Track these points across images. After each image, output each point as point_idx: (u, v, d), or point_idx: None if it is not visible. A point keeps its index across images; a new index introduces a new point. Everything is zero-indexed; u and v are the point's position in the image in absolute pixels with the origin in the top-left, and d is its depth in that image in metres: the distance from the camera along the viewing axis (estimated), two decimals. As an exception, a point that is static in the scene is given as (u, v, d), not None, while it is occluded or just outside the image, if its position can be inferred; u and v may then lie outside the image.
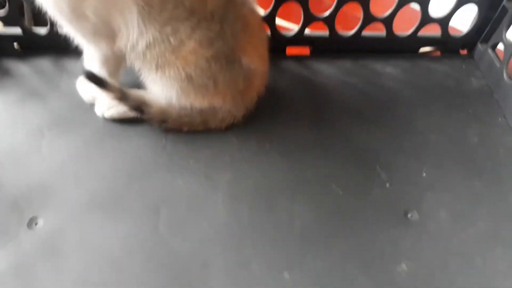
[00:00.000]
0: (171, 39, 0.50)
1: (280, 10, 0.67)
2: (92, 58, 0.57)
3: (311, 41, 0.72)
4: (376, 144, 0.61)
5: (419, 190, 0.56)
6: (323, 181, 0.56)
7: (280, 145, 0.59)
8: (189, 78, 0.53)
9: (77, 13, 0.48)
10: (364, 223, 0.52)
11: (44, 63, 0.66)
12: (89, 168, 0.55)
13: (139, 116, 0.57)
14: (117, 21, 0.49)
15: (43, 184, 0.53)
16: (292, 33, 0.70)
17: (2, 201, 0.51)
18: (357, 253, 0.50)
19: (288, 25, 0.76)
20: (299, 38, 0.71)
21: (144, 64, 0.53)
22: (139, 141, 0.58)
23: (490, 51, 0.71)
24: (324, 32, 0.71)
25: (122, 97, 0.56)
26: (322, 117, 0.63)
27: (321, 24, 0.69)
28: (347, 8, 0.67)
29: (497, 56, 0.70)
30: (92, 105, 0.60)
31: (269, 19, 0.68)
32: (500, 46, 0.70)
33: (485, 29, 0.72)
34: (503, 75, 0.67)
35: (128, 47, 0.51)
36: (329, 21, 0.69)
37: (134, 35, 0.50)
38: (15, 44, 0.67)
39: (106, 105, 0.59)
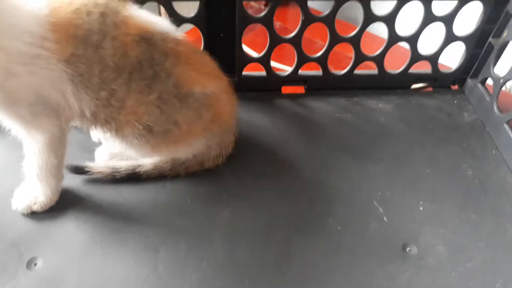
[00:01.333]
0: (112, 102, 0.49)
1: (274, 52, 0.70)
2: (35, 148, 0.51)
3: (305, 80, 0.74)
4: (372, 179, 0.62)
5: (417, 224, 0.56)
6: (320, 217, 0.57)
7: (276, 182, 0.60)
8: (149, 130, 0.52)
9: (10, 99, 0.46)
10: (362, 258, 0.52)
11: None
12: (88, 208, 0.56)
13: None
14: (55, 96, 0.47)
15: (42, 225, 0.54)
16: (286, 73, 0.73)
17: (1, 241, 0.52)
18: (356, 289, 0.50)
19: (282, 67, 0.79)
20: (293, 78, 0.73)
21: (102, 129, 0.53)
22: (138, 182, 0.59)
23: (479, 85, 0.74)
24: (317, 71, 0.73)
25: (113, 172, 0.57)
26: (317, 153, 0.65)
27: (314, 64, 0.72)
28: (338, 48, 0.70)
29: (487, 90, 0.73)
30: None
31: (264, 60, 0.70)
32: (490, 81, 0.72)
33: (473, 65, 0.75)
34: (493, 109, 0.69)
35: (77, 118, 0.51)
36: (322, 61, 0.72)
37: (75, 106, 0.48)
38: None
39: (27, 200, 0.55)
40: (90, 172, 0.57)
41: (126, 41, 0.48)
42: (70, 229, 0.54)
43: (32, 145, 0.51)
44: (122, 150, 0.57)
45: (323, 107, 0.73)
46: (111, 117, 0.51)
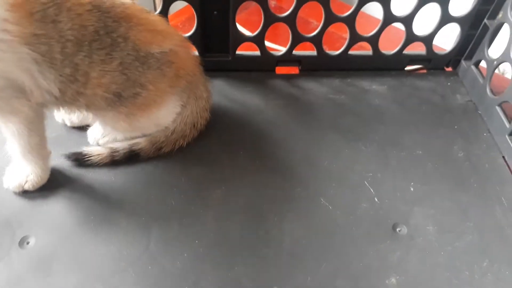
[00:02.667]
0: (77, 77, 0.49)
1: (268, 31, 0.69)
2: (13, 131, 0.51)
3: (299, 61, 0.74)
4: (364, 160, 0.62)
5: (407, 205, 0.57)
6: (312, 197, 0.57)
7: (269, 162, 0.61)
8: (118, 96, 0.52)
9: None
10: (353, 238, 0.53)
11: None
12: (81, 187, 0.56)
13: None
14: (22, 78, 0.47)
15: (35, 204, 0.54)
16: (280, 53, 0.72)
17: (-6, 220, 0.52)
18: (347, 268, 0.50)
19: (277, 47, 0.78)
20: (287, 58, 0.72)
21: (73, 108, 0.53)
22: (131, 160, 0.59)
23: (473, 67, 0.74)
24: (312, 51, 0.73)
25: (112, 153, 0.57)
26: (310, 134, 0.65)
27: (309, 44, 0.71)
28: (333, 28, 0.69)
29: (481, 73, 0.73)
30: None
31: (258, 40, 0.70)
32: (483, 63, 0.72)
33: (468, 47, 0.75)
34: (486, 91, 0.69)
35: (47, 100, 0.50)
36: (317, 41, 0.71)
37: (44, 85, 0.48)
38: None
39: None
40: (89, 157, 0.57)
41: (80, 11, 0.47)
42: (63, 208, 0.54)
43: (10, 129, 0.51)
44: (101, 127, 0.58)
45: (317, 88, 0.73)
46: (78, 93, 0.50)
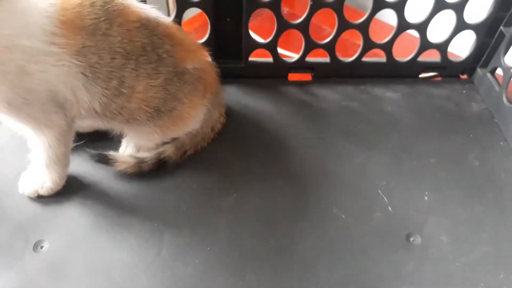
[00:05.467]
0: (122, 90, 0.50)
1: (281, 38, 0.69)
2: (44, 142, 0.52)
3: (312, 68, 0.74)
4: (377, 168, 0.61)
5: (421, 214, 0.56)
6: (325, 205, 0.57)
7: (281, 169, 0.60)
8: (158, 112, 0.54)
9: (23, 99, 0.46)
10: (366, 248, 0.53)
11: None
12: (94, 192, 0.56)
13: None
14: (64, 92, 0.48)
15: (49, 209, 0.54)
16: (293, 59, 0.72)
17: (8, 224, 0.53)
18: (359, 279, 0.50)
19: (289, 54, 0.78)
20: (300, 65, 0.72)
21: (114, 123, 0.54)
22: (158, 171, 0.59)
23: (489, 75, 0.73)
24: (325, 58, 0.73)
25: (140, 163, 0.57)
26: (323, 141, 0.65)
27: (322, 51, 0.71)
28: (347, 35, 0.69)
29: (496, 80, 0.72)
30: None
31: (271, 46, 0.70)
32: (499, 70, 0.71)
33: (483, 54, 0.74)
34: (502, 99, 0.68)
35: (84, 112, 0.51)
36: (330, 48, 0.71)
37: (85, 100, 0.50)
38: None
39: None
40: (114, 162, 0.57)
41: (130, 27, 0.49)
42: (76, 214, 0.54)
43: (41, 140, 0.52)
44: (133, 141, 0.59)
45: (330, 95, 0.72)
46: (121, 107, 0.52)
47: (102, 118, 0.53)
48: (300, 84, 0.74)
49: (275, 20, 0.66)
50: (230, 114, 0.67)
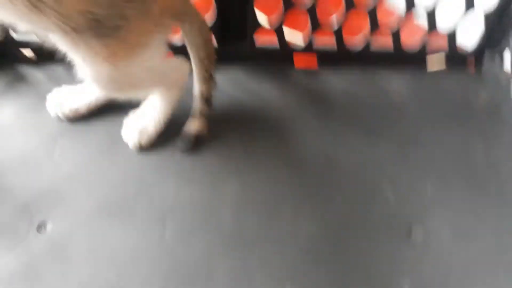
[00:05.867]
0: None
1: (287, 19, 0.67)
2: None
3: (318, 52, 0.72)
4: (381, 157, 0.61)
5: (423, 206, 0.56)
6: (328, 193, 0.57)
7: (285, 157, 0.60)
8: (99, 23, 0.46)
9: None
10: (368, 238, 0.53)
11: (59, 70, 0.68)
12: (99, 175, 0.56)
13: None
14: None
15: (53, 190, 0.54)
16: (300, 45, 0.71)
17: (12, 205, 0.53)
18: (360, 268, 0.50)
19: (296, 34, 0.76)
20: (307, 50, 0.71)
21: (53, 26, 0.45)
22: (148, 150, 0.59)
23: (497, 67, 0.72)
24: (331, 45, 0.71)
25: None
26: (328, 130, 0.64)
27: (328, 38, 0.70)
28: (354, 20, 0.67)
29: (504, 72, 0.71)
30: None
31: (277, 27, 0.68)
32: (507, 63, 0.70)
33: (492, 46, 0.72)
34: (509, 91, 0.67)
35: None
36: (337, 33, 0.70)
37: None
38: (30, 51, 0.69)
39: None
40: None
41: None
42: (80, 196, 0.54)
43: None
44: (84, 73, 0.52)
45: (336, 83, 0.71)
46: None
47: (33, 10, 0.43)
48: (306, 71, 0.73)
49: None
50: (234, 100, 0.66)
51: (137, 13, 0.49)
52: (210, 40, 0.60)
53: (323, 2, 0.66)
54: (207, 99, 0.60)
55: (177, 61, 0.61)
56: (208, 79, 0.59)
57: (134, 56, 0.51)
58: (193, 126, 0.60)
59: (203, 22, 0.58)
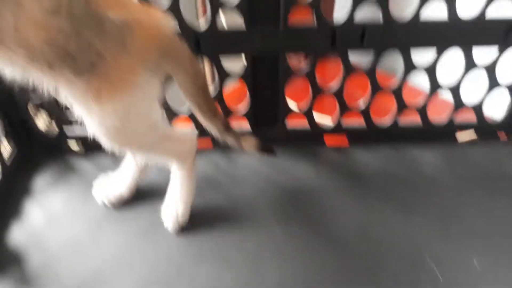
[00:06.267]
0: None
1: (316, 104, 0.71)
2: None
3: (347, 132, 0.75)
4: (422, 233, 0.60)
5: (472, 281, 0.54)
6: (371, 272, 0.55)
7: (324, 235, 0.60)
8: (71, 58, 0.44)
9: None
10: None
11: (105, 160, 0.73)
12: (141, 257, 0.57)
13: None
14: None
15: (98, 273, 0.56)
16: (329, 124, 0.74)
17: (59, 290, 0.54)
18: None
19: (324, 118, 0.79)
20: (336, 130, 0.74)
21: (29, 64, 0.43)
22: (188, 231, 0.60)
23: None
24: (360, 123, 0.74)
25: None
26: (362, 206, 0.64)
27: (357, 116, 0.73)
28: (380, 99, 0.71)
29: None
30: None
31: (306, 111, 0.72)
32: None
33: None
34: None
35: None
36: (365, 112, 0.73)
37: None
38: (78, 143, 0.75)
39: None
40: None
41: None
42: (123, 278, 0.55)
43: None
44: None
45: (368, 159, 0.73)
46: (14, 28, 0.40)
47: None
48: (337, 149, 0.75)
49: (310, 86, 0.69)
50: (268, 179, 0.69)
51: (112, 48, 0.46)
52: (206, 86, 0.56)
53: (350, 86, 0.70)
54: (226, 127, 0.60)
55: (184, 130, 0.63)
56: (225, 131, 0.60)
57: (121, 95, 0.48)
58: (247, 144, 0.62)
59: (195, 63, 0.54)
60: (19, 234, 0.61)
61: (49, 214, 0.64)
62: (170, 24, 0.52)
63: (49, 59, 0.43)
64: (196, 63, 0.54)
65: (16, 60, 0.42)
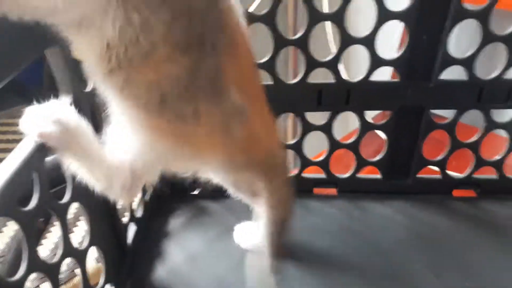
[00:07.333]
0: (140, 38, 0.33)
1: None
2: None
3: (478, 184, 0.75)
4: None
5: None
6: None
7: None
8: (162, 100, 0.36)
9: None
10: None
11: (234, 203, 0.74)
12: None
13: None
14: None
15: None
16: (460, 176, 0.74)
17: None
18: None
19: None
20: (467, 181, 0.74)
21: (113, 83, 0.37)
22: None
23: None
24: (492, 175, 0.74)
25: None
26: (499, 260, 0.62)
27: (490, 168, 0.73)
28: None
29: None
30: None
31: (440, 164, 0.73)
32: None
33: None
34: None
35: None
36: (498, 165, 0.73)
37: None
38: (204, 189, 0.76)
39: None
40: None
41: None
42: None
43: None
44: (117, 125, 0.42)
45: (498, 211, 0.72)
46: (130, 59, 0.34)
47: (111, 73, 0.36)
48: (466, 199, 0.75)
49: (449, 139, 0.70)
50: (399, 227, 0.69)
51: (211, 120, 0.40)
52: (289, 222, 0.51)
53: (487, 142, 0.71)
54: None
55: None
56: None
57: (183, 153, 0.42)
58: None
59: (289, 193, 0.49)
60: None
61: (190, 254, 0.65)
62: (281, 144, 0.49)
63: (134, 87, 0.37)
64: (290, 192, 0.50)
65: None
